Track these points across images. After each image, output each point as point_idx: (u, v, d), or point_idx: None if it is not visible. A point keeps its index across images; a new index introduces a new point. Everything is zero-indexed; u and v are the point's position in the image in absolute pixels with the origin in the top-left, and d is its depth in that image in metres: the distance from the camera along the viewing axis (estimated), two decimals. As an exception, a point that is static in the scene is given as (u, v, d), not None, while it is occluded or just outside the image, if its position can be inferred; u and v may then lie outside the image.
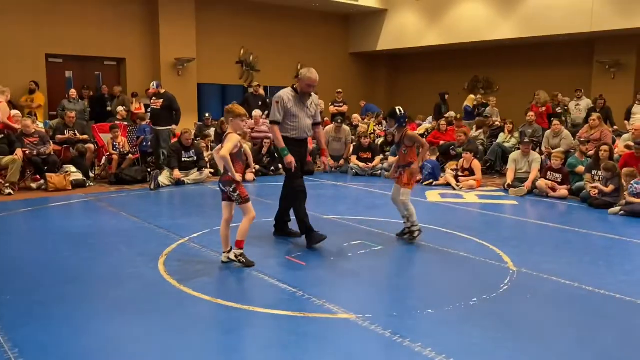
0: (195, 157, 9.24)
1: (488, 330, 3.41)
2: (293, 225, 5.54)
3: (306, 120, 5.38)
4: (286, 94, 5.30)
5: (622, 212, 6.91)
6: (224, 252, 4.67)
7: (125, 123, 10.59)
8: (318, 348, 3.14)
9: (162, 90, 9.58)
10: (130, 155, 9.59)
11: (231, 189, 4.51)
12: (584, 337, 3.36)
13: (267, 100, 13.15)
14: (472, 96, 14.02)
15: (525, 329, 3.46)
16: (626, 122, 10.71)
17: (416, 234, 5.41)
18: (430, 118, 14.25)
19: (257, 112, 11.41)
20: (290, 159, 5.21)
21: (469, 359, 2.98)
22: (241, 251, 4.57)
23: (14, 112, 9.20)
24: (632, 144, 8.02)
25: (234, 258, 4.58)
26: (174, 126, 9.64)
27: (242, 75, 15.87)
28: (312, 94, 5.47)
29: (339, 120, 11.12)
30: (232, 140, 4.48)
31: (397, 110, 5.32)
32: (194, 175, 9.11)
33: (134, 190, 8.51)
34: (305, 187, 5.44)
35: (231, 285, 4.22)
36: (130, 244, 5.33)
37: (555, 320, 3.66)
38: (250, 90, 13.31)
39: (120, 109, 11.24)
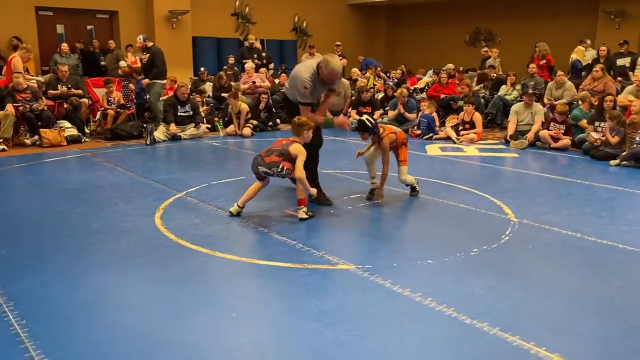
0: (192, 112, 9.07)
1: (488, 280, 3.37)
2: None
3: (321, 90, 5.13)
4: (310, 77, 4.87)
5: (623, 162, 6.81)
6: (237, 204, 4.65)
7: (121, 77, 10.37)
8: (317, 298, 3.11)
9: (150, 44, 9.32)
10: (126, 110, 9.42)
11: (278, 169, 4.50)
12: (586, 286, 3.33)
13: (263, 53, 12.85)
14: (580, 48, 11.91)
15: (526, 278, 3.42)
16: (631, 73, 10.48)
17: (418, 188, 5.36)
18: (430, 72, 13.96)
19: (249, 65, 11.13)
20: (341, 119, 5.38)
21: (469, 308, 2.94)
22: (305, 208, 4.58)
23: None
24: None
25: (303, 216, 4.53)
26: (165, 80, 9.41)
27: (238, 28, 15.47)
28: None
29: (338, 74, 10.86)
30: (302, 154, 4.53)
31: (367, 122, 4.96)
32: (191, 130, 8.96)
33: (130, 145, 8.39)
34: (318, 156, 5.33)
35: (229, 239, 4.17)
36: (127, 198, 5.25)
37: (557, 270, 3.62)
38: (246, 43, 12.98)
39: (122, 63, 10.97)
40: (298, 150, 4.53)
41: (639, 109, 7.30)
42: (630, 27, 13.10)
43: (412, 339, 2.68)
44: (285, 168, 4.51)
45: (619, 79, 10.17)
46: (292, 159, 4.54)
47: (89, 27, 13.45)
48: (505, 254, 3.85)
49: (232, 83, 10.70)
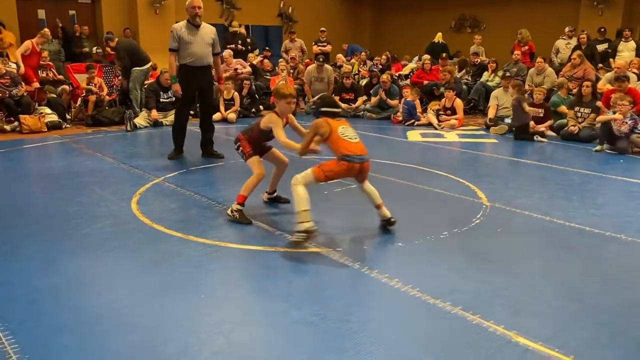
0: (174, 98, 9.02)
1: (455, 261, 3.44)
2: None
3: (202, 49, 5.91)
4: (180, 24, 5.93)
5: (605, 147, 6.94)
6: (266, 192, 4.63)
7: (102, 63, 10.29)
8: (286, 280, 3.16)
9: (113, 44, 9.41)
10: (107, 96, 9.36)
11: (235, 146, 4.30)
12: (549, 267, 3.41)
13: (248, 39, 12.78)
14: None
15: (493, 260, 3.50)
16: (611, 60, 10.57)
17: None
18: (416, 58, 13.97)
19: (226, 52, 11.06)
20: (176, 87, 6.05)
21: (434, 289, 3.01)
22: (239, 207, 4.15)
23: None
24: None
25: (229, 213, 4.19)
26: (147, 66, 9.37)
27: (222, 14, 15.36)
28: (209, 25, 6.10)
29: (321, 59, 10.87)
30: (275, 122, 4.08)
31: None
32: (172, 116, 8.91)
33: (111, 131, 8.36)
34: (186, 116, 6.41)
35: (204, 223, 4.19)
36: (104, 184, 5.26)
37: (523, 252, 3.71)
38: (231, 29, 12.90)
39: (99, 50, 10.91)
40: (269, 120, 4.12)
41: (621, 96, 7.35)
42: (613, 14, 13.19)
43: (375, 318, 2.75)
44: (239, 142, 4.25)
45: (600, 65, 10.27)
46: (261, 132, 4.22)
47: (70, 12, 13.28)
48: (474, 236, 3.92)
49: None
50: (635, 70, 9.21)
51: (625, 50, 10.70)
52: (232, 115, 9.30)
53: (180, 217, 4.30)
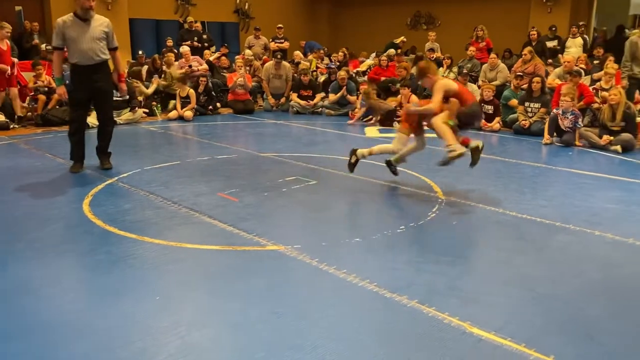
0: (128, 96, 8.81)
1: (412, 255, 3.50)
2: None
3: (89, 45, 5.30)
4: (65, 18, 5.30)
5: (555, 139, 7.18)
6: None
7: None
8: (243, 279, 3.14)
9: None
10: (55, 95, 9.04)
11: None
12: (502, 258, 3.50)
13: (204, 36, 12.60)
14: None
15: (448, 253, 3.57)
16: (560, 55, 10.93)
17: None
18: (373, 54, 14.09)
19: (184, 48, 10.90)
20: (60, 90, 5.47)
21: (391, 283, 3.05)
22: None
23: None
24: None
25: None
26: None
27: (177, 10, 15.10)
28: (103, 17, 5.53)
29: (279, 56, 10.83)
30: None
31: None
32: (126, 115, 8.73)
33: (62, 131, 8.05)
34: (81, 122, 5.62)
35: (159, 224, 4.12)
36: (54, 185, 5.10)
37: (477, 244, 3.80)
38: (186, 25, 12.69)
39: (49, 47, 10.51)
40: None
41: (567, 92, 7.61)
42: (561, 12, 13.64)
43: (333, 314, 2.76)
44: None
45: (550, 61, 10.60)
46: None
47: (17, 7, 12.78)
48: (430, 230, 3.99)
49: (164, 68, 10.42)
50: (582, 66, 9.55)
51: (573, 47, 11.10)
52: (188, 113, 9.17)
53: (135, 217, 4.21)
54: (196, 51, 11.48)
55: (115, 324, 2.63)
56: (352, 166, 5.22)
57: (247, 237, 3.77)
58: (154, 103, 9.78)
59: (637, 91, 7.94)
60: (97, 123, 7.32)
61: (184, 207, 4.43)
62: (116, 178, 5.31)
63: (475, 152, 4.81)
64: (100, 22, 5.44)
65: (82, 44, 5.28)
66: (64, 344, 2.47)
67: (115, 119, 8.43)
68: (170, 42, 11.93)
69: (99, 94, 5.56)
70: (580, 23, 11.93)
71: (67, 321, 2.66)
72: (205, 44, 12.30)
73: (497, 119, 8.27)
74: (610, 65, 8.63)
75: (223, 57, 11.65)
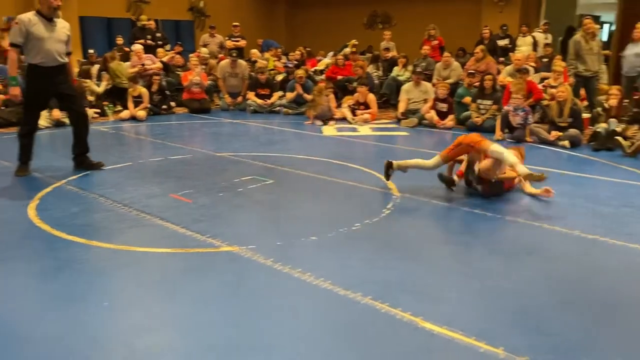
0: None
1: (366, 252, 3.51)
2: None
3: (55, 45, 5.18)
4: (28, 15, 5.13)
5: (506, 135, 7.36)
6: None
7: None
8: (194, 282, 3.07)
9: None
10: (1, 96, 8.69)
11: None
12: (454, 253, 3.56)
13: (158, 34, 12.34)
14: None
15: (401, 249, 3.59)
16: (511, 54, 11.21)
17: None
18: (330, 53, 14.11)
19: (136, 47, 10.64)
20: (15, 91, 5.28)
21: (345, 280, 3.04)
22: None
23: None
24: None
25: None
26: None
27: (130, 8, 14.74)
28: (63, 20, 5.40)
29: (234, 54, 10.70)
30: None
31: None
32: (77, 115, 8.45)
33: (8, 133, 7.75)
34: (34, 125, 5.52)
35: (109, 227, 4.00)
36: (-2, 189, 4.89)
37: (430, 239, 3.84)
38: (139, 23, 12.40)
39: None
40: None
41: (517, 89, 7.80)
42: (512, 11, 14.01)
43: (287, 313, 2.73)
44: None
45: (501, 59, 10.86)
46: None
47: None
48: (384, 226, 4.01)
49: (108, 63, 10.15)
50: (532, 64, 9.82)
51: (524, 45, 11.41)
52: (141, 113, 8.95)
53: (83, 221, 4.07)
54: (150, 49, 11.23)
55: (59, 333, 2.53)
56: (388, 177, 5.18)
57: (200, 239, 3.70)
58: (105, 103, 9.52)
59: (583, 88, 8.21)
60: (49, 125, 7.05)
61: (135, 210, 4.31)
62: (64, 181, 5.14)
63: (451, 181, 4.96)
64: (63, 25, 5.37)
65: (47, 44, 5.14)
66: (4, 355, 2.35)
67: (63, 120, 8.21)
68: (120, 40, 11.63)
69: (66, 96, 5.49)
70: (544, 21, 12.18)
71: (9, 330, 2.55)
72: (159, 42, 12.05)
73: (451, 116, 8.42)
74: (558, 63, 8.90)
75: (177, 56, 11.44)
